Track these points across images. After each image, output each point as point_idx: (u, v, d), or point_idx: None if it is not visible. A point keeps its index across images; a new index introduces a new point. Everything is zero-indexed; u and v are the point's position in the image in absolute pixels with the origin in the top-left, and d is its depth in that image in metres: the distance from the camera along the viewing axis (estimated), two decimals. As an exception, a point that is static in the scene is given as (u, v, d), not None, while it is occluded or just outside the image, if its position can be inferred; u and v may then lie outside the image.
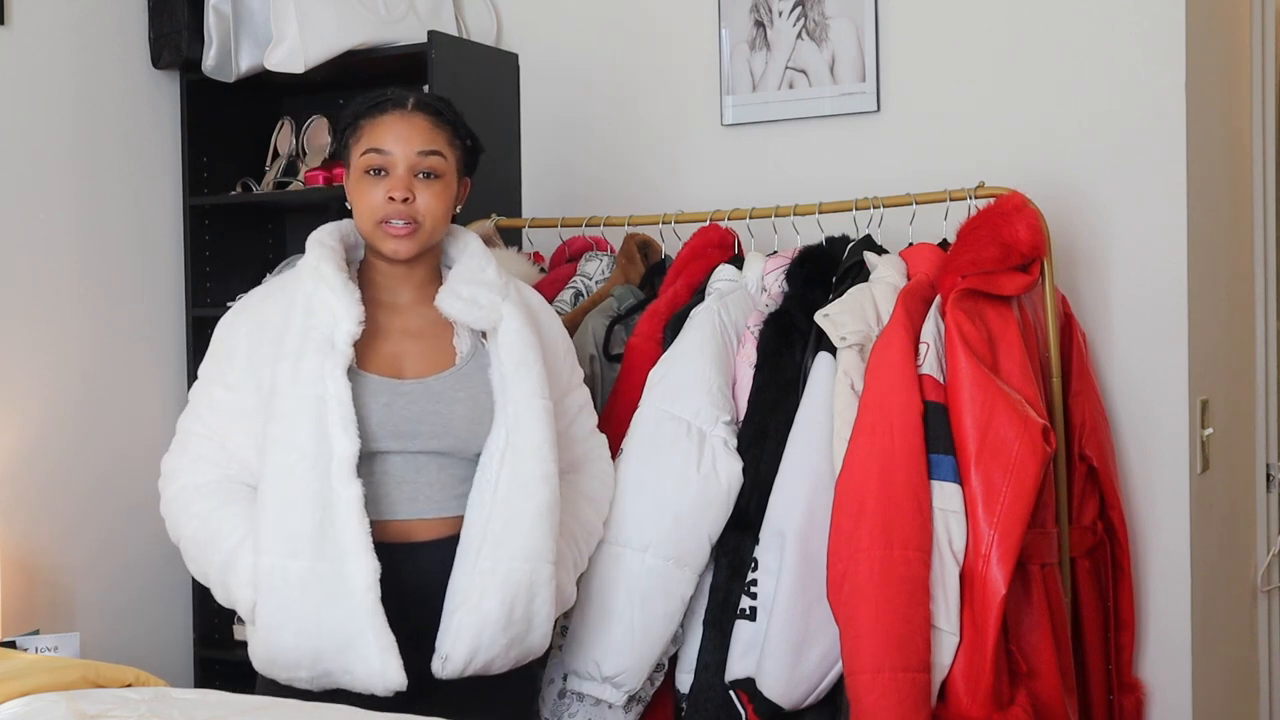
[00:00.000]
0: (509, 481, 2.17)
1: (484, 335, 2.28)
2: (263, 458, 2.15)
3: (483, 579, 2.14)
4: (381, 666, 2.09)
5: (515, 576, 2.15)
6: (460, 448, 2.21)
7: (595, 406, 2.69)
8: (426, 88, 3.18)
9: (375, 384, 2.19)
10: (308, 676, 2.14)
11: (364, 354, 2.20)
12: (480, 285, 2.26)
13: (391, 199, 2.18)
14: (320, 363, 2.14)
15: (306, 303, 2.19)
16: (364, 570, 2.08)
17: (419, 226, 2.20)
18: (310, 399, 2.12)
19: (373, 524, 2.11)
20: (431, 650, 2.16)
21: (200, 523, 2.19)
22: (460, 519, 2.20)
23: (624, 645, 2.41)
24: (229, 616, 3.31)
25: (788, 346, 2.52)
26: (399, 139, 2.20)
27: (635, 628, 2.41)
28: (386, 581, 2.10)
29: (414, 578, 2.17)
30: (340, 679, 2.12)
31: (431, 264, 2.31)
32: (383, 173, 2.20)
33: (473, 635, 2.14)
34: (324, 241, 2.26)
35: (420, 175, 2.20)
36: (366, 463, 2.16)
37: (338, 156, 2.32)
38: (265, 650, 2.15)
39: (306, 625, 2.10)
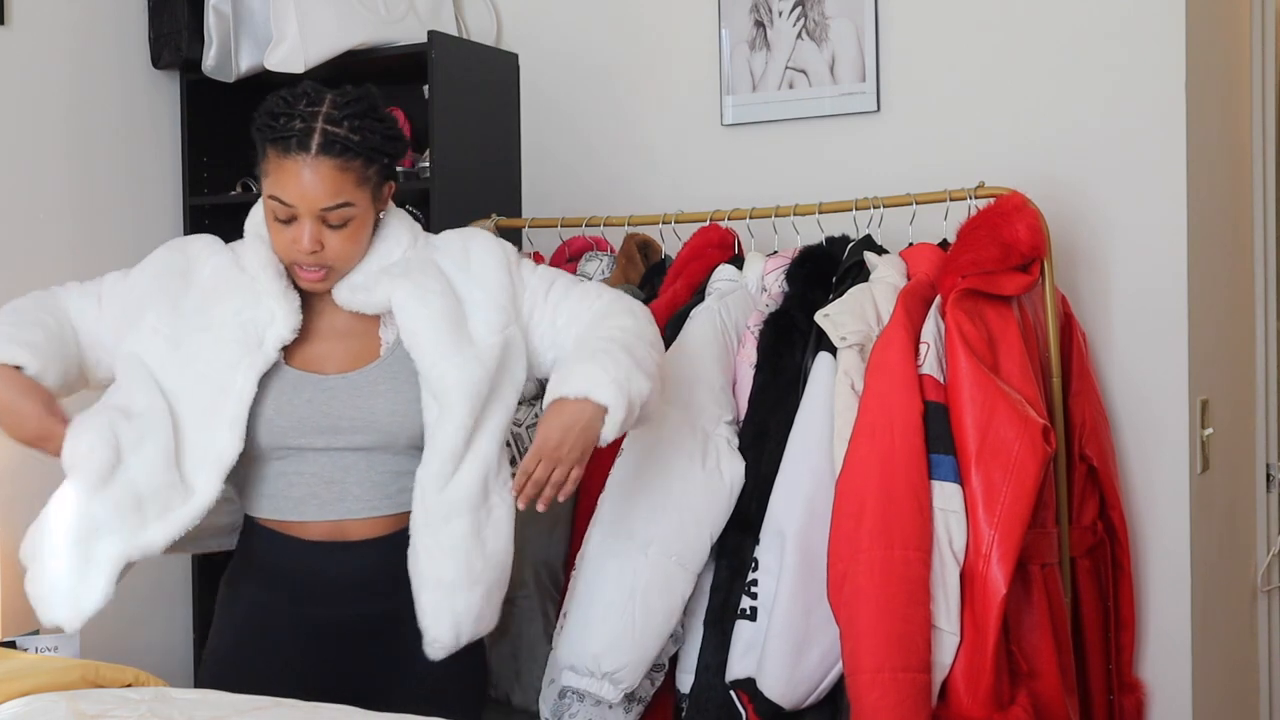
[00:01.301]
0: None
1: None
2: (139, 388, 2.14)
3: (436, 554, 2.11)
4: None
5: (457, 534, 2.12)
6: (387, 442, 2.16)
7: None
8: (426, 88, 3.18)
9: (298, 380, 2.15)
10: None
11: (291, 350, 2.17)
12: (373, 271, 2.18)
13: (302, 250, 2.10)
14: (240, 356, 2.11)
15: (251, 286, 2.15)
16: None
17: (331, 270, 2.14)
18: (214, 383, 2.10)
19: (303, 525, 2.14)
20: (379, 635, 2.16)
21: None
22: (400, 516, 2.16)
23: (624, 642, 2.41)
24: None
25: (788, 346, 2.52)
26: (303, 194, 2.07)
27: (635, 624, 2.40)
28: (319, 578, 2.12)
29: (351, 575, 2.16)
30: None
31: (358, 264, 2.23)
32: (285, 221, 2.11)
33: (449, 612, 2.11)
34: (264, 237, 2.20)
35: (329, 225, 2.11)
36: (294, 462, 2.15)
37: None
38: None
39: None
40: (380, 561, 2.16)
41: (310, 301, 2.21)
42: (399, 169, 3.28)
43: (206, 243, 2.26)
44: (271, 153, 2.09)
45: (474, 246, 2.25)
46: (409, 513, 2.13)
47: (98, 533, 2.10)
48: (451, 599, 2.10)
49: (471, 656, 2.21)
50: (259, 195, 2.16)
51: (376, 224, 2.21)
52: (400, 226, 2.24)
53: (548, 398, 2.08)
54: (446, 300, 2.17)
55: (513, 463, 2.74)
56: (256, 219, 2.24)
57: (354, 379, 2.17)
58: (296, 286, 2.19)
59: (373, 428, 2.15)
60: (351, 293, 2.17)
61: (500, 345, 2.16)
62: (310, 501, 2.16)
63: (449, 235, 2.29)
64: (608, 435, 2.05)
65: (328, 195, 2.07)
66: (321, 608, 2.18)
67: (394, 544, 2.15)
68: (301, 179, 2.06)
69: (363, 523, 2.18)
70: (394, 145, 2.16)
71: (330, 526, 2.17)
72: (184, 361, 2.13)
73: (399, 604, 2.13)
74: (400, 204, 3.34)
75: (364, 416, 2.14)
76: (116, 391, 2.16)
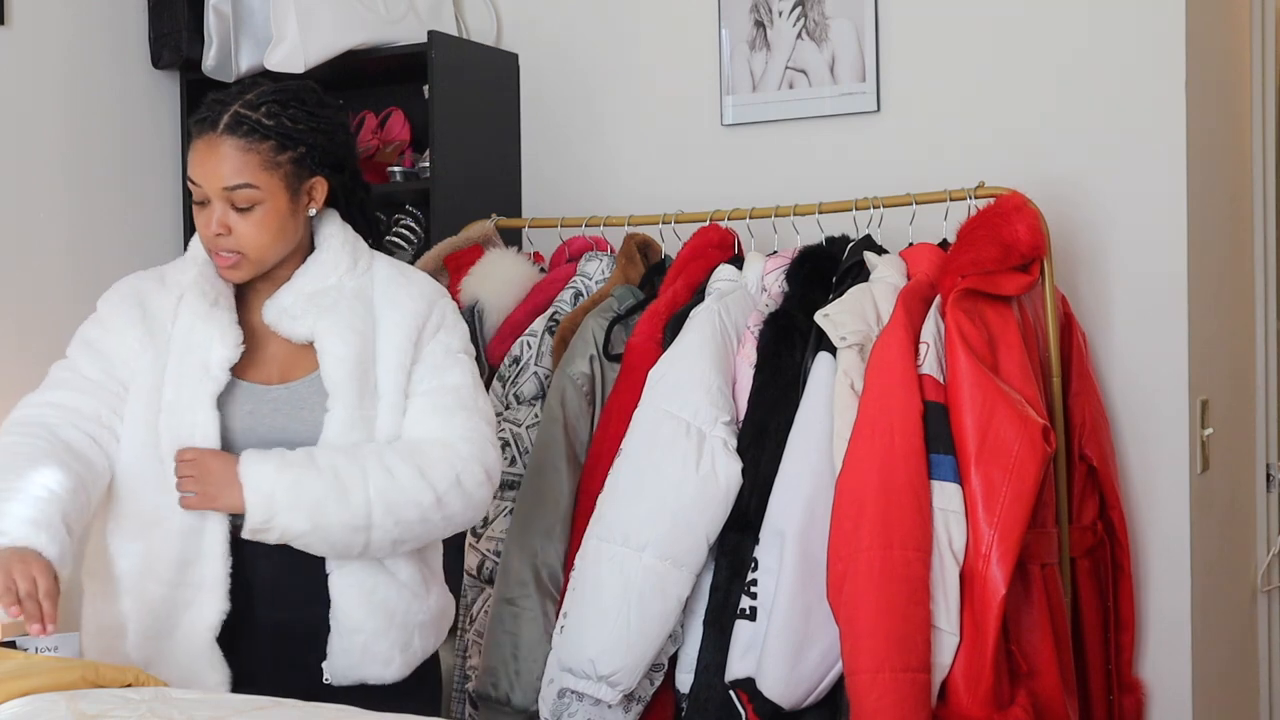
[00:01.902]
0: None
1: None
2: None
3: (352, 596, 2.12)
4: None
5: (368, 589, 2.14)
6: None
7: (595, 406, 2.69)
8: (426, 88, 3.18)
9: (244, 391, 2.12)
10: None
11: (243, 358, 2.13)
12: (304, 295, 2.14)
13: (216, 233, 2.08)
14: (195, 389, 2.09)
15: (190, 317, 2.13)
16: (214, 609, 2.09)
17: (242, 257, 2.09)
18: (183, 420, 2.09)
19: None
20: (303, 643, 2.14)
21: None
22: None
23: (620, 644, 2.41)
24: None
25: (788, 346, 2.52)
26: (206, 172, 2.06)
27: (632, 627, 2.40)
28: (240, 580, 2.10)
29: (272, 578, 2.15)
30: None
31: (294, 267, 2.17)
32: (204, 201, 2.09)
33: (359, 655, 2.14)
34: (197, 259, 2.17)
35: (235, 208, 2.07)
36: None
37: None
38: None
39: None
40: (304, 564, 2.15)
41: (254, 305, 2.17)
42: (398, 169, 3.28)
43: (132, 287, 2.21)
44: (193, 137, 2.10)
45: (402, 296, 2.19)
46: None
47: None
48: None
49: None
50: None
51: (310, 228, 2.17)
52: (340, 248, 2.18)
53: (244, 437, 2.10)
54: (366, 343, 2.14)
55: (512, 463, 2.74)
56: (193, 251, 2.20)
57: (296, 390, 2.14)
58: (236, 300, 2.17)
59: (313, 441, 2.11)
60: (278, 317, 2.13)
61: (397, 404, 2.15)
62: None
63: (393, 271, 2.22)
64: (245, 529, 2.06)
65: (230, 174, 2.05)
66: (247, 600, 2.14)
67: None
68: (205, 158, 2.07)
69: None
70: (315, 136, 2.11)
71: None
72: (159, 408, 2.12)
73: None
74: (400, 204, 3.37)
75: (307, 430, 2.11)
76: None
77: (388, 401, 2.14)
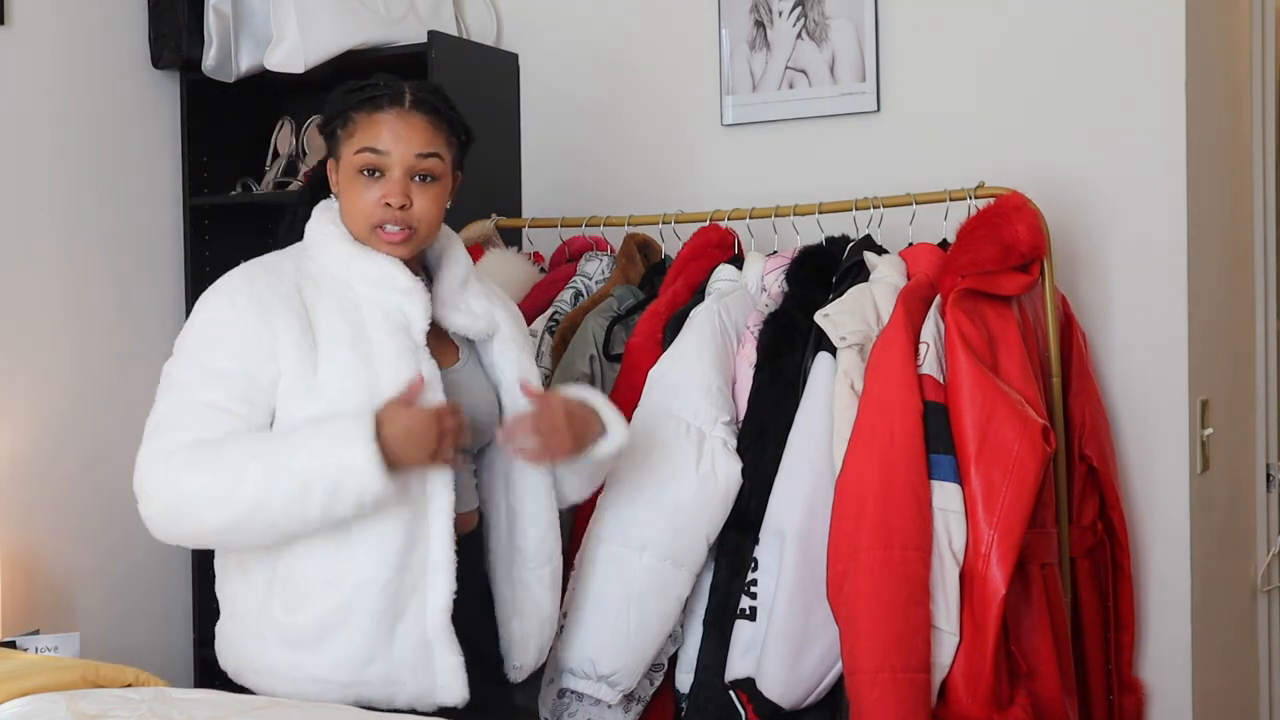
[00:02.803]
0: (519, 482, 2.21)
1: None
2: None
3: (526, 586, 2.23)
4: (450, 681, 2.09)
5: (548, 576, 2.24)
6: (478, 440, 2.19)
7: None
8: (426, 87, 3.18)
9: (432, 371, 2.11)
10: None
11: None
12: (474, 293, 2.23)
13: (388, 204, 2.08)
14: (407, 358, 2.07)
15: (368, 294, 2.08)
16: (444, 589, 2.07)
17: (414, 232, 2.11)
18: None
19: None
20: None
21: (209, 464, 1.97)
22: (475, 513, 2.21)
23: (620, 644, 2.41)
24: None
25: (788, 346, 2.52)
26: (397, 139, 2.08)
27: (631, 627, 2.41)
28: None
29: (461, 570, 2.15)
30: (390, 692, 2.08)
31: (420, 258, 2.22)
32: (377, 174, 2.09)
33: (536, 640, 2.26)
34: (334, 237, 2.13)
35: (417, 178, 2.10)
36: None
37: (326, 143, 2.19)
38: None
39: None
40: (474, 554, 2.22)
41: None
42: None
43: (238, 289, 2.09)
44: (360, 115, 2.10)
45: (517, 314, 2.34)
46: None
47: None
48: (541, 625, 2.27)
49: None
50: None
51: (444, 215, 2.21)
52: (459, 248, 2.28)
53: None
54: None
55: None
56: (323, 224, 2.15)
57: (454, 376, 2.17)
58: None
59: (476, 426, 2.15)
60: (453, 313, 2.19)
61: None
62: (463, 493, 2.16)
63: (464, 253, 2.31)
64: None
65: (422, 143, 2.10)
66: None
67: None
68: (396, 127, 2.09)
69: (468, 516, 2.20)
70: (467, 134, 2.21)
71: (464, 518, 2.17)
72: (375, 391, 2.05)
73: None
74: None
75: (471, 414, 2.11)
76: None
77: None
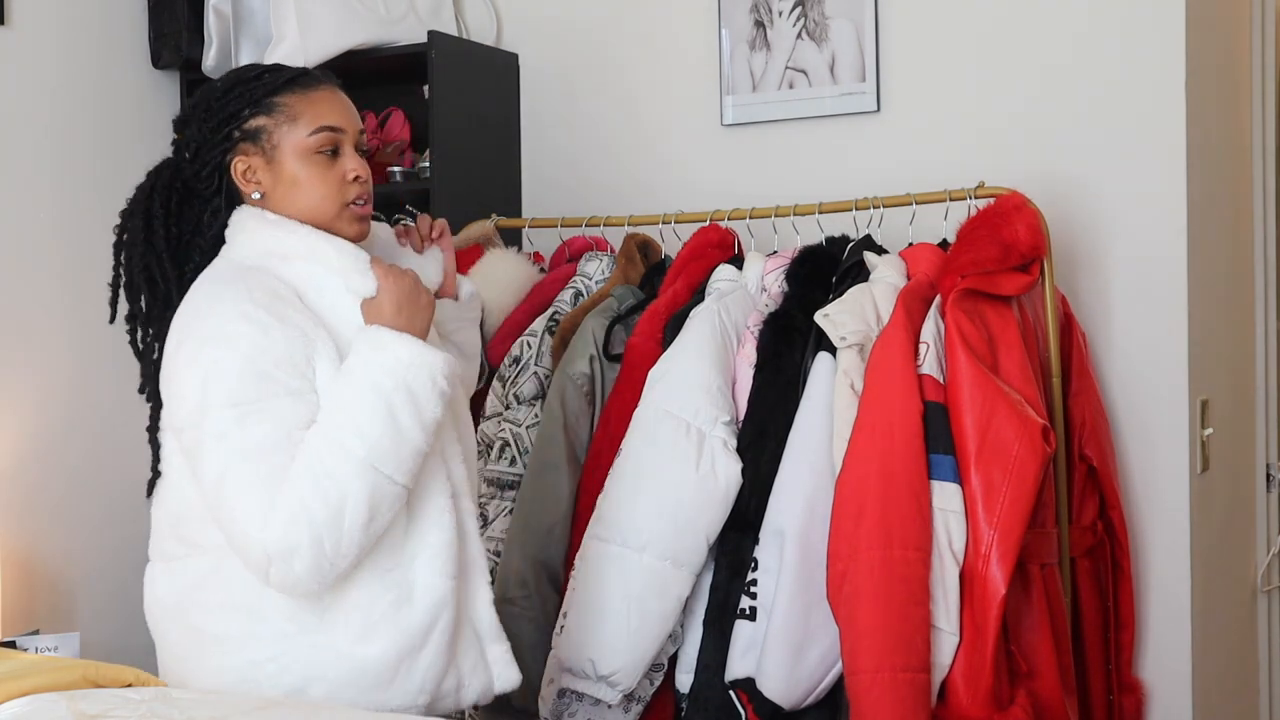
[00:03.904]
0: (473, 467, 2.14)
1: None
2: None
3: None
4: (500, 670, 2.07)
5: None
6: None
7: (595, 406, 2.70)
8: (426, 88, 3.18)
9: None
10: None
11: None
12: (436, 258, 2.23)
13: (357, 178, 1.99)
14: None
15: (333, 296, 1.97)
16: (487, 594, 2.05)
17: (372, 205, 2.05)
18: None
19: None
20: None
21: (309, 475, 1.84)
22: None
23: (619, 644, 2.41)
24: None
25: (788, 346, 2.52)
26: (343, 114, 2.00)
27: (631, 627, 2.41)
28: None
29: None
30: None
31: None
32: (334, 152, 1.99)
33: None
34: (302, 234, 1.99)
35: (361, 152, 2.04)
36: None
37: (229, 135, 1.99)
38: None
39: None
40: None
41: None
42: (398, 169, 3.29)
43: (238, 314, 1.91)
44: (293, 96, 1.98)
45: None
46: None
47: None
48: None
49: None
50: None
51: None
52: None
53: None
54: None
55: (512, 463, 2.74)
56: (264, 238, 1.98)
57: None
58: None
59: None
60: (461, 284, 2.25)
61: None
62: None
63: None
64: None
65: (356, 116, 2.04)
66: None
67: None
68: (334, 103, 2.01)
69: None
70: None
71: None
72: None
73: None
74: (400, 204, 3.37)
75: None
76: None
77: None
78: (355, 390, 1.86)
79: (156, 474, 2.04)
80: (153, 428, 2.05)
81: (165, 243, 2.01)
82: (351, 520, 1.84)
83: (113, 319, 2.10)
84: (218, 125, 1.99)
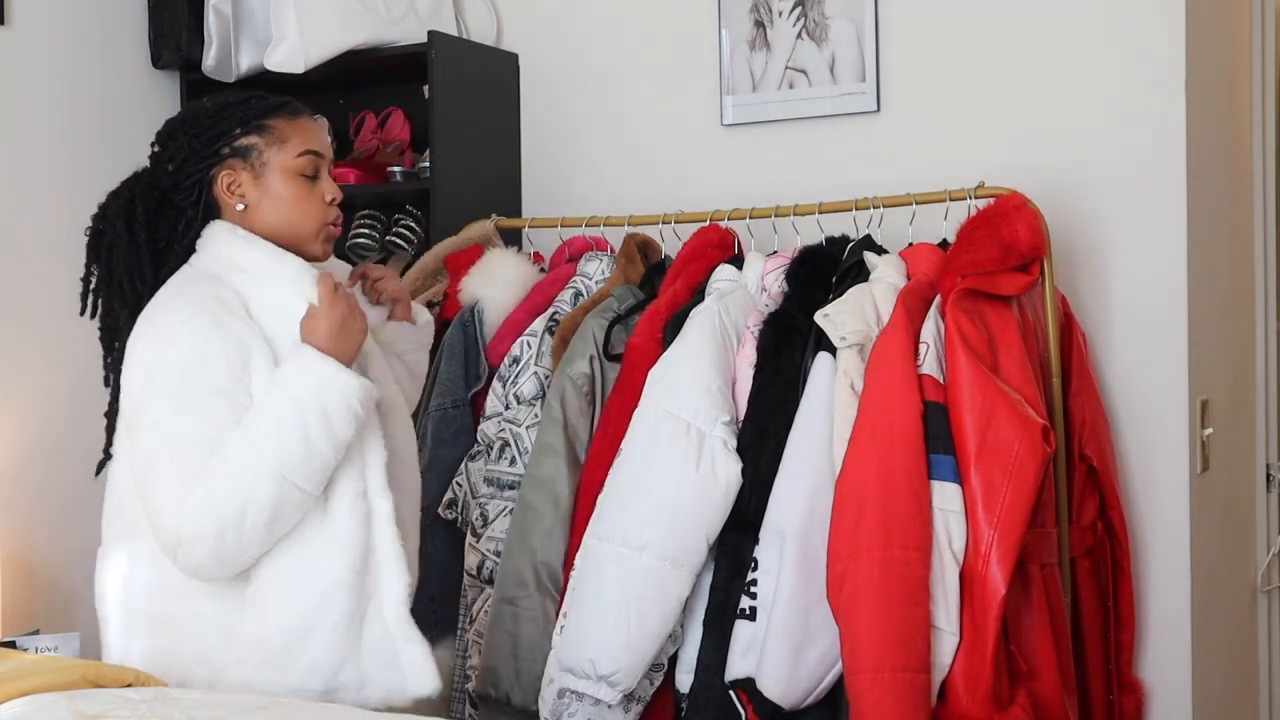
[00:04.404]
0: (399, 467, 2.22)
1: None
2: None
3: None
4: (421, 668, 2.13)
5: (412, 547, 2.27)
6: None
7: (595, 406, 2.70)
8: (426, 88, 3.18)
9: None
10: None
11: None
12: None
13: (334, 200, 2.20)
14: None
15: (278, 311, 2.10)
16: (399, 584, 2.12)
17: (340, 226, 2.25)
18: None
19: None
20: None
21: (220, 472, 2.00)
22: None
23: (619, 645, 2.41)
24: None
25: (788, 346, 2.52)
26: (325, 144, 2.22)
27: (631, 627, 2.41)
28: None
29: None
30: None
31: None
32: (313, 176, 2.19)
33: None
34: (264, 252, 2.15)
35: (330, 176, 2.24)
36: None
37: (218, 150, 2.15)
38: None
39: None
40: None
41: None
42: (398, 169, 3.29)
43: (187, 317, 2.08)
44: (280, 121, 2.16)
45: None
46: None
47: None
48: None
49: None
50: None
51: None
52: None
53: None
54: None
55: (513, 463, 2.74)
56: (231, 250, 2.14)
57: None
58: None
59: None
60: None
61: None
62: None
63: None
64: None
65: (330, 144, 2.25)
66: None
67: None
68: (316, 130, 2.21)
69: None
70: None
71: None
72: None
73: None
74: (400, 204, 3.37)
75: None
76: None
77: None
78: (276, 401, 2.01)
79: (107, 455, 2.25)
80: (110, 413, 2.24)
81: (150, 245, 2.17)
82: (254, 519, 1.99)
83: (83, 312, 2.25)
84: (209, 140, 2.15)
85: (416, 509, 2.30)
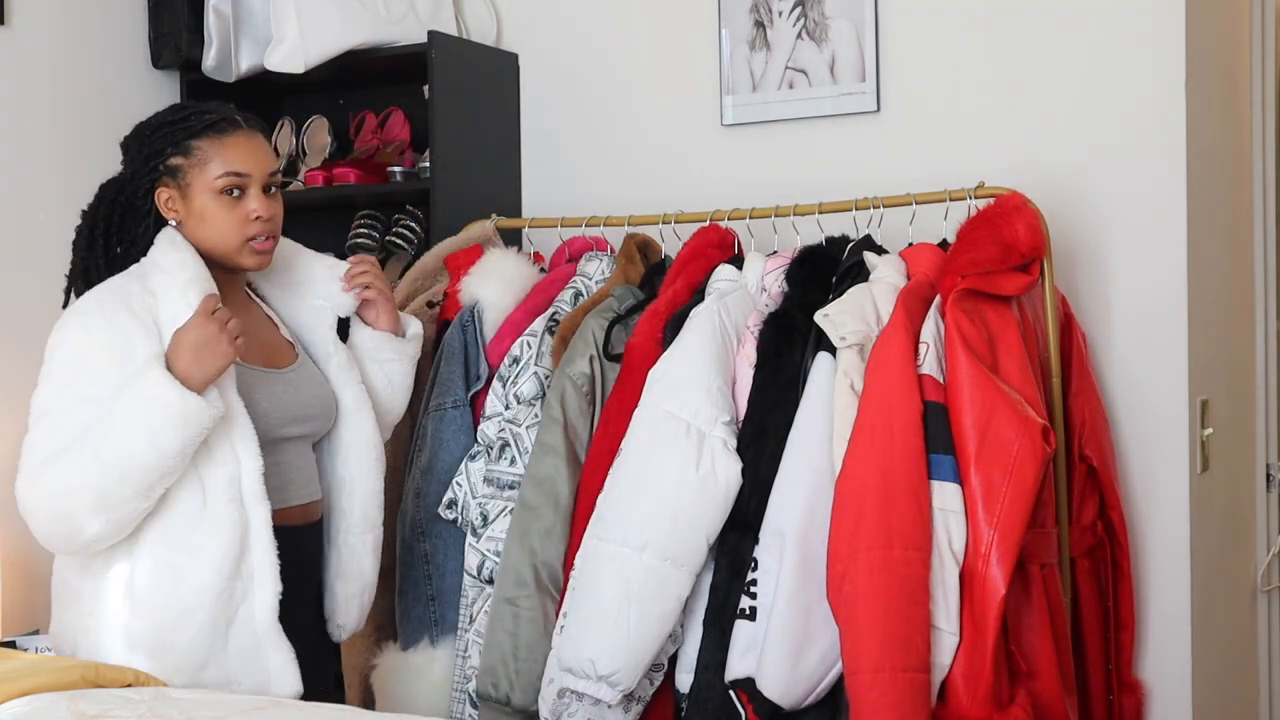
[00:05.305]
0: (352, 450, 2.41)
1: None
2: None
3: (351, 551, 2.41)
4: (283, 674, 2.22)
5: (370, 542, 2.44)
6: (321, 430, 2.40)
7: (595, 406, 2.70)
8: (426, 88, 3.19)
9: (261, 375, 2.30)
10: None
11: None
12: (300, 293, 2.47)
13: (259, 218, 2.26)
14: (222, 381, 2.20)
15: (172, 314, 2.19)
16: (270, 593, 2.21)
17: (276, 239, 2.32)
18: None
19: (280, 510, 2.25)
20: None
21: (66, 458, 2.12)
22: (319, 503, 2.40)
23: (619, 645, 2.41)
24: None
25: (788, 346, 2.52)
26: (254, 159, 2.27)
27: (631, 627, 2.41)
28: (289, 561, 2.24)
29: (310, 556, 2.38)
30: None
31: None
32: (238, 192, 2.26)
33: (358, 603, 2.43)
34: (185, 264, 2.24)
35: (269, 190, 2.29)
36: (270, 452, 2.24)
37: (155, 168, 2.27)
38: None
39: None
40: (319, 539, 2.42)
41: (228, 301, 2.29)
42: (398, 169, 3.29)
43: (88, 321, 2.21)
44: (205, 141, 2.25)
45: None
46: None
47: None
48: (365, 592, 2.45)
49: None
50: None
51: None
52: (285, 243, 2.47)
53: None
54: None
55: (512, 463, 2.74)
56: (164, 255, 2.25)
57: (298, 373, 2.36)
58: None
59: (324, 416, 2.38)
60: (338, 298, 2.47)
61: None
62: (289, 488, 2.31)
63: None
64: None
65: (271, 160, 2.31)
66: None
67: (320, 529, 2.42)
68: (249, 147, 2.28)
69: (313, 506, 2.38)
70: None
71: (301, 510, 2.35)
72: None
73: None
74: (400, 204, 3.37)
75: (320, 407, 2.37)
76: None
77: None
78: (120, 406, 2.10)
79: None
80: None
81: (104, 248, 2.31)
82: (78, 508, 2.10)
83: (64, 307, 2.34)
84: (147, 158, 2.28)
85: (375, 507, 2.44)
